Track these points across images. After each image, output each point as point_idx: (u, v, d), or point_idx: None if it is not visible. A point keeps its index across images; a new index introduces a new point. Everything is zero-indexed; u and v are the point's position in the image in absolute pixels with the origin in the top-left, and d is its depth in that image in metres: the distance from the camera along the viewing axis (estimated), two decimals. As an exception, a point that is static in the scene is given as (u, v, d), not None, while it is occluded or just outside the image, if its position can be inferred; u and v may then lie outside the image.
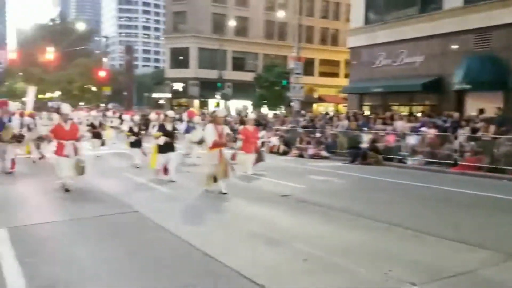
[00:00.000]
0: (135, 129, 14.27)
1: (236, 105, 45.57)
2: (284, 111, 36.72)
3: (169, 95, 49.53)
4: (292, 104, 23.81)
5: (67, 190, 9.16)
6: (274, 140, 20.57)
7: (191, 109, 13.37)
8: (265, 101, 39.51)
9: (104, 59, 43.68)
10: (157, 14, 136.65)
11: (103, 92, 42.08)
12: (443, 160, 14.75)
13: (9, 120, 12.27)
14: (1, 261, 5.08)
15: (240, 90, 42.72)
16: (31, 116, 16.10)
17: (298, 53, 22.70)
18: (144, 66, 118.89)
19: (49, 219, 7.11)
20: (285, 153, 19.27)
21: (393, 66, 23.26)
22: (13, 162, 12.03)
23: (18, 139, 12.37)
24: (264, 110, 37.76)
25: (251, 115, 15.92)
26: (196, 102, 46.67)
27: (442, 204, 8.92)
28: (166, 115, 11.76)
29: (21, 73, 71.31)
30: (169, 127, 11.08)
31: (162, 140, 10.69)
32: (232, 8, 47.15)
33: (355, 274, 4.80)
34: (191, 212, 7.95)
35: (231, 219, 7.46)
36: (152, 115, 16.18)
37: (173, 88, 48.70)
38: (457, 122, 15.96)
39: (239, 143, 12.70)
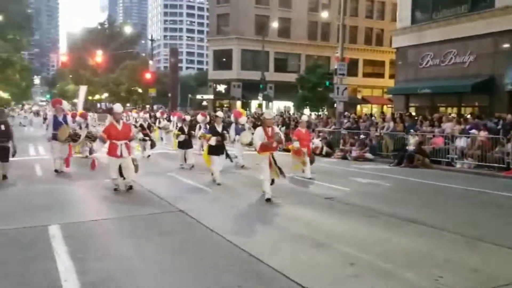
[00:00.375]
0: (186, 129, 14.16)
1: (279, 106, 45.60)
2: (327, 113, 36.36)
3: (212, 97, 50.12)
4: (335, 105, 23.51)
5: (116, 189, 9.39)
6: (317, 142, 20.40)
7: (237, 109, 13.07)
8: (308, 102, 39.24)
9: (150, 62, 44.65)
10: (201, 17, 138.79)
11: (149, 93, 43.03)
12: (495, 163, 14.17)
13: (64, 119, 12.36)
14: (55, 256, 5.28)
15: (282, 91, 42.59)
16: (83, 116, 16.69)
17: (342, 54, 22.37)
18: (188, 68, 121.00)
19: (98, 217, 7.34)
20: (328, 155, 19.06)
21: (441, 66, 22.58)
22: (67, 161, 12.28)
23: (73, 138, 12.46)
24: (307, 111, 37.52)
25: (304, 116, 15.20)
26: (238, 104, 46.99)
27: (494, 209, 8.57)
28: (216, 116, 11.57)
29: (71, 76, 74.24)
30: (219, 128, 11.06)
31: (213, 140, 10.59)
32: (275, 9, 47.16)
33: (404, 280, 4.68)
34: (236, 213, 7.98)
35: (276, 220, 7.44)
36: (199, 117, 16.17)
37: (216, 89, 49.25)
38: (510, 124, 15.29)
39: (296, 144, 12.19)
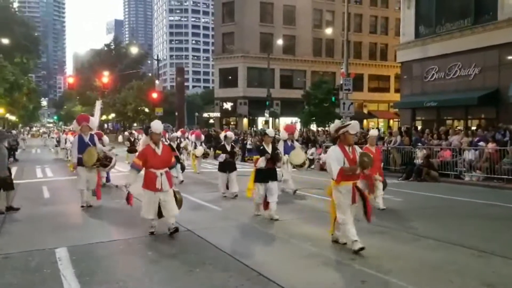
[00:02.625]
0: (228, 147, 11.64)
1: (285, 122, 45.64)
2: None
3: (218, 114, 50.32)
4: (341, 120, 23.50)
5: (152, 233, 7.40)
6: (324, 157, 20.33)
7: (288, 123, 10.44)
8: (314, 118, 39.28)
9: (156, 81, 44.97)
10: (206, 36, 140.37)
11: (156, 112, 43.24)
12: (503, 175, 14.04)
13: (92, 140, 10.22)
14: (62, 279, 5.25)
15: (288, 107, 42.69)
16: (98, 136, 15.91)
17: (347, 69, 22.46)
18: (194, 86, 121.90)
19: (106, 239, 7.29)
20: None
21: (446, 79, 22.58)
22: (98, 190, 10.30)
23: (104, 163, 10.11)
24: (313, 127, 37.53)
25: (374, 131, 11.67)
26: (245, 121, 47.11)
27: (504, 222, 8.45)
28: (265, 134, 9.31)
29: (78, 97, 74.93)
30: (269, 148, 8.88)
31: (262, 162, 8.64)
32: (279, 27, 47.56)
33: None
34: (244, 231, 7.92)
35: (284, 238, 7.36)
36: (229, 133, 14.92)
37: (223, 107, 49.44)
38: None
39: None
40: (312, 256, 6.11)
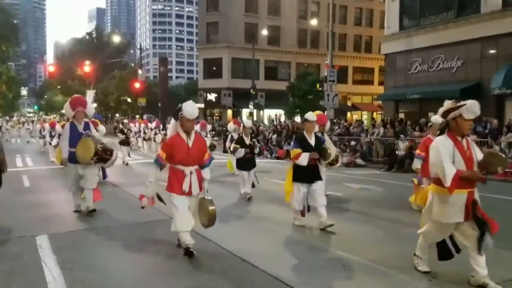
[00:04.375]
0: (247, 141, 9.81)
1: (269, 114, 45.62)
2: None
3: (202, 106, 50.03)
4: (326, 112, 23.57)
5: (189, 254, 5.50)
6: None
7: (319, 112, 7.73)
8: (298, 110, 39.32)
9: (139, 71, 44.49)
10: (190, 25, 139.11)
11: (139, 103, 42.79)
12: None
13: (87, 129, 8.03)
14: (43, 266, 5.16)
15: (273, 99, 42.61)
16: (93, 124, 14.99)
17: (332, 61, 22.49)
18: (177, 77, 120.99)
19: (88, 226, 7.20)
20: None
21: (430, 72, 22.80)
22: (97, 192, 8.16)
23: (103, 157, 7.72)
24: (297, 119, 37.59)
25: (437, 117, 8.21)
26: (229, 112, 46.95)
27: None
28: (306, 120, 7.08)
29: (59, 86, 73.76)
30: (312, 140, 7.02)
31: (304, 160, 6.78)
32: (264, 17, 47.35)
33: (398, 281, 4.65)
34: (229, 219, 7.90)
35: (268, 226, 7.37)
36: (230, 125, 14.13)
37: (207, 98, 49.18)
38: (497, 129, 15.42)
39: (416, 163, 8.39)
40: (296, 243, 6.14)
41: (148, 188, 5.65)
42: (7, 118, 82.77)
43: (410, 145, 16.65)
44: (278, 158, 21.09)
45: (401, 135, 17.83)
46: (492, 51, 19.99)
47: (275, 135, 25.04)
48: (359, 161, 17.91)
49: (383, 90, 27.88)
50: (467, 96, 19.49)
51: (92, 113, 8.65)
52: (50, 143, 18.83)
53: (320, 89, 28.43)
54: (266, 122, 40.12)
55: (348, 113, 47.90)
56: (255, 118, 39.42)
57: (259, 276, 4.83)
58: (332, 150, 7.61)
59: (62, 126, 14.78)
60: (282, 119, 40.87)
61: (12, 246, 6.01)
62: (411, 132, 18.19)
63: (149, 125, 24.42)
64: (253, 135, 11.26)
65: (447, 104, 4.76)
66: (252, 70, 40.20)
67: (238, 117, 42.63)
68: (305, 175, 6.88)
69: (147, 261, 5.39)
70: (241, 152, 9.56)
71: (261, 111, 42.97)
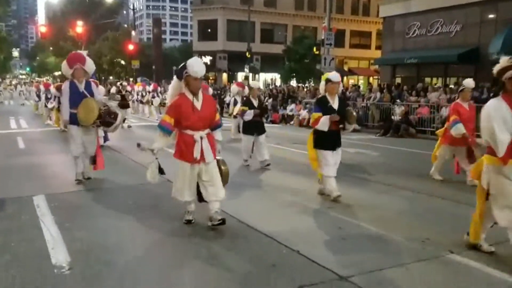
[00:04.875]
0: (255, 103, 9.13)
1: (265, 78, 45.25)
2: (313, 84, 36.23)
3: (197, 68, 49.48)
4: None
5: (189, 221, 5.31)
6: (304, 113, 20.38)
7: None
8: (294, 74, 38.99)
9: (133, 32, 43.72)
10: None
11: (132, 65, 42.23)
12: (479, 132, 14.31)
13: (89, 89, 7.29)
14: (41, 225, 5.20)
15: (268, 63, 42.16)
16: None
17: (330, 23, 22.13)
18: (171, 39, 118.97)
19: (85, 187, 7.22)
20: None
21: (428, 36, 22.57)
22: (99, 157, 7.60)
23: (107, 120, 7.20)
24: (293, 83, 37.33)
25: (469, 81, 7.89)
26: (225, 76, 46.51)
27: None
28: (329, 81, 6.30)
29: (51, 48, 72.49)
30: (335, 103, 6.37)
31: (325, 124, 6.18)
32: (260, -22, 46.26)
33: (392, 242, 4.72)
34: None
35: (265, 189, 7.45)
36: (234, 88, 13.63)
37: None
38: (493, 94, 15.41)
39: (458, 126, 7.55)
40: (291, 205, 6.20)
41: (156, 155, 5.13)
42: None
43: (406, 110, 16.65)
44: (273, 122, 21.09)
45: (397, 100, 17.80)
46: (491, 16, 19.73)
47: (270, 99, 24.91)
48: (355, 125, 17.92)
49: (381, 54, 27.62)
50: (465, 61, 19.45)
51: (93, 70, 7.73)
52: (46, 106, 18.29)
53: (317, 53, 28.09)
54: (261, 86, 39.84)
55: (345, 78, 47.60)
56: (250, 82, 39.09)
57: (254, 234, 4.90)
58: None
59: (57, 88, 14.43)
60: (278, 83, 40.60)
61: (9, 205, 6.02)
62: (407, 97, 18.14)
63: (147, 88, 23.96)
64: (262, 97, 10.72)
65: (503, 61, 4.08)
66: (247, 32, 39.54)
67: (234, 81, 42.28)
68: (327, 141, 6.32)
69: (145, 222, 5.44)
70: (250, 114, 8.87)
71: (257, 75, 42.54)
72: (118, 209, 6.02)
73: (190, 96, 4.93)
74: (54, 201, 6.25)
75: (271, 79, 44.90)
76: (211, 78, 48.12)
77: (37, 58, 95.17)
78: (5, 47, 57.63)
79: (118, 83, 25.91)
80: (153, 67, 48.94)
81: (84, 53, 8.22)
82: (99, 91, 8.18)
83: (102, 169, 7.60)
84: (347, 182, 7.86)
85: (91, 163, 7.55)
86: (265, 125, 9.73)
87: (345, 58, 48.19)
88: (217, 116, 5.27)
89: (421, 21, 22.78)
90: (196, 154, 4.95)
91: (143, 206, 6.14)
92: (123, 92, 18.16)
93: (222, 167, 5.30)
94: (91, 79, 7.68)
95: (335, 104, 6.37)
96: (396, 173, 8.78)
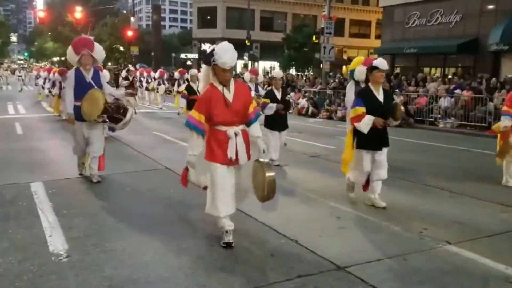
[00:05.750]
0: (278, 95, 8.13)
1: (264, 66, 45.05)
2: (312, 73, 36.10)
3: (196, 56, 49.26)
4: (322, 65, 23.32)
5: (228, 245, 4.23)
6: (303, 102, 20.35)
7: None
8: (293, 62, 38.84)
9: (132, 18, 43.39)
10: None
11: (131, 52, 41.98)
12: (477, 123, 14.34)
13: (96, 78, 6.46)
14: (38, 212, 5.20)
15: (268, 51, 41.96)
16: (61, 73, 14.23)
17: (330, 12, 22.00)
18: (171, 26, 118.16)
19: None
20: (313, 115, 19.06)
21: (428, 26, 22.45)
22: (102, 158, 6.78)
23: (114, 116, 6.30)
24: (292, 71, 37.21)
25: None
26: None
27: (474, 166, 8.69)
28: (375, 69, 5.42)
29: (49, 33, 71.92)
30: (380, 95, 5.44)
31: (367, 125, 5.31)
32: (261, -35, 45.83)
33: (390, 232, 4.74)
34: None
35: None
36: (247, 75, 12.75)
37: (201, 48, 48.34)
38: (494, 86, 15.39)
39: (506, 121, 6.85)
40: (290, 194, 6.19)
41: (190, 162, 4.25)
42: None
43: (405, 100, 16.62)
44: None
45: (396, 90, 17.75)
46: (491, 6, 19.62)
47: (270, 87, 24.82)
48: (353, 115, 17.90)
49: (380, 43, 27.50)
50: (464, 52, 19.40)
51: (102, 57, 6.83)
52: (50, 92, 16.38)
53: (317, 41, 27.95)
54: (260, 73, 39.70)
55: (344, 67, 47.39)
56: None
57: (253, 224, 4.91)
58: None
59: (60, 73, 14.24)
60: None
61: (7, 192, 6.02)
62: (406, 87, 18.10)
63: (152, 74, 22.87)
64: (285, 87, 9.54)
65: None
66: (247, 20, 39.30)
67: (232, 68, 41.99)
68: (371, 140, 5.40)
69: (142, 208, 5.45)
70: (271, 108, 7.90)
71: (256, 63, 42.36)
72: (115, 196, 6.04)
73: (219, 87, 4.17)
74: (51, 187, 6.25)
75: (270, 67, 44.71)
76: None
77: (35, 43, 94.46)
78: (3, 32, 57.32)
79: (112, 70, 24.83)
80: (152, 54, 48.62)
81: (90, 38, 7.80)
82: (105, 76, 7.47)
83: (102, 170, 6.74)
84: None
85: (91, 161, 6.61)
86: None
87: (344, 47, 47.96)
88: (252, 107, 4.34)
89: (421, 11, 22.65)
90: (231, 153, 4.15)
91: (140, 193, 6.15)
92: (130, 78, 17.42)
93: (267, 174, 4.04)
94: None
95: (380, 96, 5.42)
96: (394, 163, 8.74)
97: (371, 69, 5.48)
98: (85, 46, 6.36)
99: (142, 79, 22.88)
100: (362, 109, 5.32)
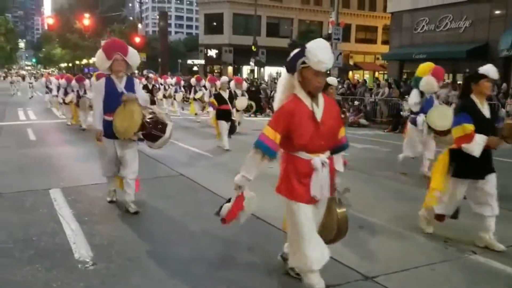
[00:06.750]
0: None
1: (270, 72, 45.11)
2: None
3: (203, 62, 49.45)
4: (330, 71, 23.33)
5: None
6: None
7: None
8: (300, 68, 38.90)
9: (139, 25, 43.67)
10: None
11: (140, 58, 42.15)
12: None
13: (131, 87, 5.40)
14: (60, 219, 5.21)
15: (274, 56, 41.92)
16: (79, 80, 14.24)
17: (338, 18, 22.03)
18: (176, 32, 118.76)
19: (100, 181, 7.13)
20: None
21: (437, 31, 22.45)
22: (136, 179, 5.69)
23: (153, 132, 5.25)
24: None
25: None
26: (230, 69, 46.42)
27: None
28: (482, 78, 4.51)
29: (57, 39, 72.42)
30: (486, 109, 4.56)
31: (479, 146, 4.36)
32: (267, -29, 46.05)
33: (416, 242, 4.70)
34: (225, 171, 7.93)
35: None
36: (228, 80, 12.17)
37: (207, 54, 48.52)
38: (505, 92, 15.34)
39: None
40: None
41: (241, 186, 3.39)
42: (5, 70, 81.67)
43: (415, 106, 16.58)
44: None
45: (406, 96, 17.69)
46: (501, 12, 19.59)
47: (274, 93, 24.86)
48: (362, 121, 17.86)
49: (388, 49, 27.50)
50: (474, 58, 19.39)
51: (137, 63, 5.66)
52: (63, 100, 15.38)
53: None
54: (266, 79, 39.74)
55: (350, 72, 47.45)
56: (255, 76, 39.03)
57: (273, 231, 4.89)
58: (448, 116, 5.50)
59: (77, 80, 14.05)
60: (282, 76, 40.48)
61: (26, 199, 6.02)
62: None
63: (168, 80, 22.14)
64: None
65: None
66: (253, 26, 39.43)
67: (239, 74, 42.20)
68: (474, 166, 4.43)
69: (161, 215, 5.45)
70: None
71: (262, 69, 42.46)
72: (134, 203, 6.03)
73: (307, 101, 3.21)
74: (70, 194, 6.25)
75: (276, 73, 44.79)
76: (216, 71, 48.06)
77: (43, 49, 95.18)
78: (12, 38, 57.72)
79: (145, 76, 24.00)
80: (159, 59, 48.84)
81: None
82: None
83: (136, 191, 5.73)
84: (361, 179, 7.84)
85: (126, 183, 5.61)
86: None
87: (351, 53, 48.00)
88: (343, 130, 3.58)
89: (430, 17, 22.66)
90: (315, 191, 3.23)
91: (158, 199, 6.14)
92: (150, 86, 16.80)
93: (337, 210, 3.41)
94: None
95: (485, 110, 4.50)
96: (409, 170, 8.73)
97: (477, 77, 4.51)
98: (118, 50, 5.37)
99: (158, 86, 21.89)
100: (471, 127, 4.31)
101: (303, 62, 3.14)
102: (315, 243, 3.25)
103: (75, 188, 6.69)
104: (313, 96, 3.22)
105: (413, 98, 7.68)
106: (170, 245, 4.50)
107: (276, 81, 33.55)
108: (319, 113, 3.21)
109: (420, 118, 7.46)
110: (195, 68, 52.93)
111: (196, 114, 16.76)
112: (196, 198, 6.29)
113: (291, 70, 3.25)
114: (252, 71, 40.38)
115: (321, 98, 3.27)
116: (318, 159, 3.21)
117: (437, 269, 3.99)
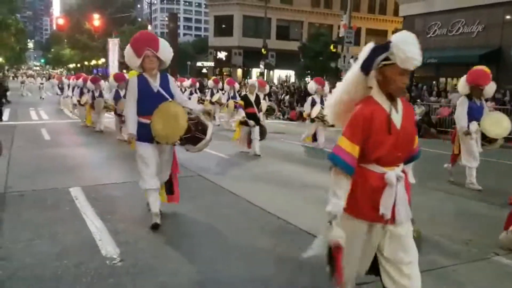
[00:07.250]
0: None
1: (280, 75, 45.17)
2: (328, 82, 36.04)
3: (212, 64, 49.59)
4: (341, 75, 23.33)
5: None
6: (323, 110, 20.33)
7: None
8: (309, 71, 38.87)
9: (149, 26, 43.83)
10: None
11: (148, 60, 42.30)
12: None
13: (166, 86, 4.91)
14: (83, 216, 5.28)
15: (283, 59, 42.07)
16: (94, 81, 14.13)
17: (350, 21, 22.05)
18: (185, 34, 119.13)
19: (119, 180, 7.28)
20: (332, 125, 19.01)
21: (449, 36, 22.35)
22: (176, 185, 5.46)
23: (196, 135, 4.76)
24: (308, 80, 37.24)
25: None
26: (239, 71, 46.53)
27: (502, 177, 8.62)
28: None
29: (66, 40, 72.94)
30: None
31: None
32: (277, -26, 46.15)
33: (436, 243, 4.70)
34: (257, 179, 7.98)
35: (295, 184, 7.42)
36: (312, 84, 12.13)
37: (217, 56, 48.64)
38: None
39: None
40: (324, 201, 6.18)
41: (336, 216, 2.84)
42: (14, 70, 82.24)
43: (426, 110, 16.57)
44: (290, 119, 21.09)
45: (418, 100, 17.71)
46: (515, 16, 19.53)
47: (287, 96, 24.93)
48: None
49: (399, 53, 27.40)
50: (486, 62, 19.25)
51: (170, 58, 5.03)
52: (79, 102, 15.59)
53: (334, 50, 28.00)
54: (275, 82, 39.79)
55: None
56: (265, 78, 39.08)
57: (294, 230, 4.93)
58: (503, 123, 5.91)
59: (92, 81, 13.94)
60: (292, 79, 40.53)
61: (48, 197, 6.11)
62: (427, 97, 18.04)
63: (184, 83, 21.03)
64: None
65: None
66: (263, 29, 39.51)
67: (248, 77, 42.25)
68: None
69: (185, 215, 5.49)
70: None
71: (271, 71, 42.51)
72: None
73: (385, 105, 2.73)
74: (90, 193, 6.33)
75: (286, 76, 44.82)
76: (225, 73, 48.19)
77: (52, 50, 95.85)
78: (22, 38, 58.10)
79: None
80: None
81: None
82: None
83: (177, 202, 5.46)
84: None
85: (166, 192, 5.36)
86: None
87: (361, 57, 47.89)
88: (416, 139, 2.98)
89: (442, 21, 22.59)
90: (385, 208, 2.72)
91: (181, 199, 6.18)
92: None
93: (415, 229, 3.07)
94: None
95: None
96: (425, 174, 8.73)
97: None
98: (148, 45, 4.77)
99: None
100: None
101: (386, 59, 2.67)
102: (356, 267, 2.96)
103: (94, 187, 6.77)
104: (393, 100, 2.74)
105: (459, 106, 7.31)
106: (193, 245, 4.55)
107: (285, 84, 33.69)
108: (398, 120, 2.72)
109: (473, 126, 7.07)
110: (204, 71, 53.09)
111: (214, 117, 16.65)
112: (218, 199, 6.33)
113: (367, 67, 2.74)
114: (261, 74, 40.43)
115: (399, 101, 2.79)
116: (393, 173, 2.72)
117: (459, 270, 4.00)
